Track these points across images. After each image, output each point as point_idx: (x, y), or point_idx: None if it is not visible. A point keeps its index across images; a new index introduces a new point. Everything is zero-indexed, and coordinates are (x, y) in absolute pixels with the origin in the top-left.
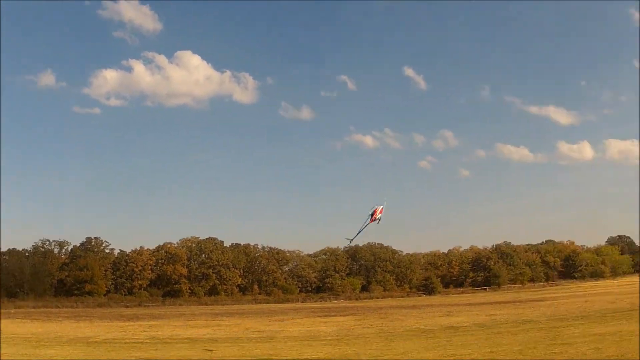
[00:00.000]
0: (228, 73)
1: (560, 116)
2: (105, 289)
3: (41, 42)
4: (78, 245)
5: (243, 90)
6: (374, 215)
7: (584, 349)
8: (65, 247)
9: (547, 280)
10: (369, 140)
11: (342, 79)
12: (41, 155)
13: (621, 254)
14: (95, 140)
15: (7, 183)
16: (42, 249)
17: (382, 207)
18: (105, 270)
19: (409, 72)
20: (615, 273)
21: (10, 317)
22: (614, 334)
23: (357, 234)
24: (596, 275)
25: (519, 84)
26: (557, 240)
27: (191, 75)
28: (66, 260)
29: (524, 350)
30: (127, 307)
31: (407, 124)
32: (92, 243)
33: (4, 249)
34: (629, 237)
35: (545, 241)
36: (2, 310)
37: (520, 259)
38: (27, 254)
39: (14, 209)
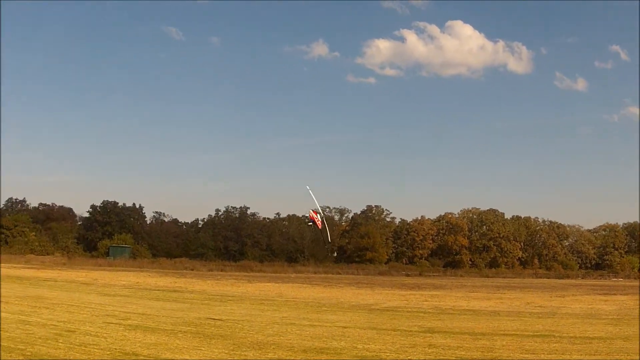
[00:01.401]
0: (501, 43)
1: None
2: (386, 257)
3: (311, 13)
4: (359, 213)
5: (517, 61)
6: (317, 222)
7: None
8: (345, 215)
9: None
10: None
11: (615, 49)
12: (317, 121)
13: None
14: (371, 109)
15: (284, 150)
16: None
17: (311, 210)
18: (386, 239)
19: None
20: None
21: (290, 282)
22: None
23: (328, 243)
24: None
25: None
26: None
27: (464, 45)
28: (347, 228)
29: None
30: (408, 275)
31: None
32: (373, 211)
33: (283, 215)
34: None
35: None
36: (282, 275)
37: None
38: (307, 221)
39: (290, 176)
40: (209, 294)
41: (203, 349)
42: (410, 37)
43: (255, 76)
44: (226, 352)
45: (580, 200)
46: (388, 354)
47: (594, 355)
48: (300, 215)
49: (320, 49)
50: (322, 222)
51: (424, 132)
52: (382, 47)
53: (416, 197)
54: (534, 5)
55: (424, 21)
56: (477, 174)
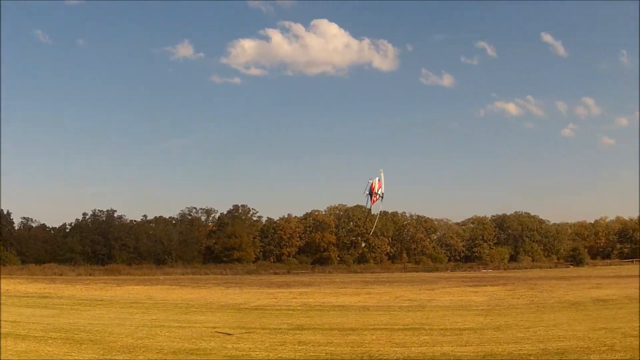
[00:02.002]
0: (367, 41)
1: None
2: (254, 256)
3: (177, 14)
4: (225, 213)
5: (383, 58)
6: (373, 194)
7: None
8: (212, 215)
9: None
10: (512, 108)
11: (481, 45)
12: (182, 123)
13: None
14: (236, 109)
15: (149, 152)
16: (189, 217)
17: (377, 178)
18: (254, 238)
19: (547, 38)
20: None
21: (159, 284)
22: None
23: (373, 228)
24: None
25: None
26: None
27: (329, 44)
28: (214, 228)
29: None
30: (276, 274)
31: (549, 91)
32: (240, 211)
33: (150, 217)
34: None
35: None
36: (150, 277)
37: None
38: (174, 222)
39: (156, 178)
40: (78, 299)
41: (73, 354)
42: (276, 36)
43: (121, 78)
44: (96, 356)
45: (449, 194)
46: (257, 353)
47: (465, 346)
48: (167, 217)
49: (185, 49)
50: (375, 198)
51: (290, 131)
52: (247, 47)
53: (282, 196)
54: (400, 3)
55: (289, 20)
56: (344, 170)
